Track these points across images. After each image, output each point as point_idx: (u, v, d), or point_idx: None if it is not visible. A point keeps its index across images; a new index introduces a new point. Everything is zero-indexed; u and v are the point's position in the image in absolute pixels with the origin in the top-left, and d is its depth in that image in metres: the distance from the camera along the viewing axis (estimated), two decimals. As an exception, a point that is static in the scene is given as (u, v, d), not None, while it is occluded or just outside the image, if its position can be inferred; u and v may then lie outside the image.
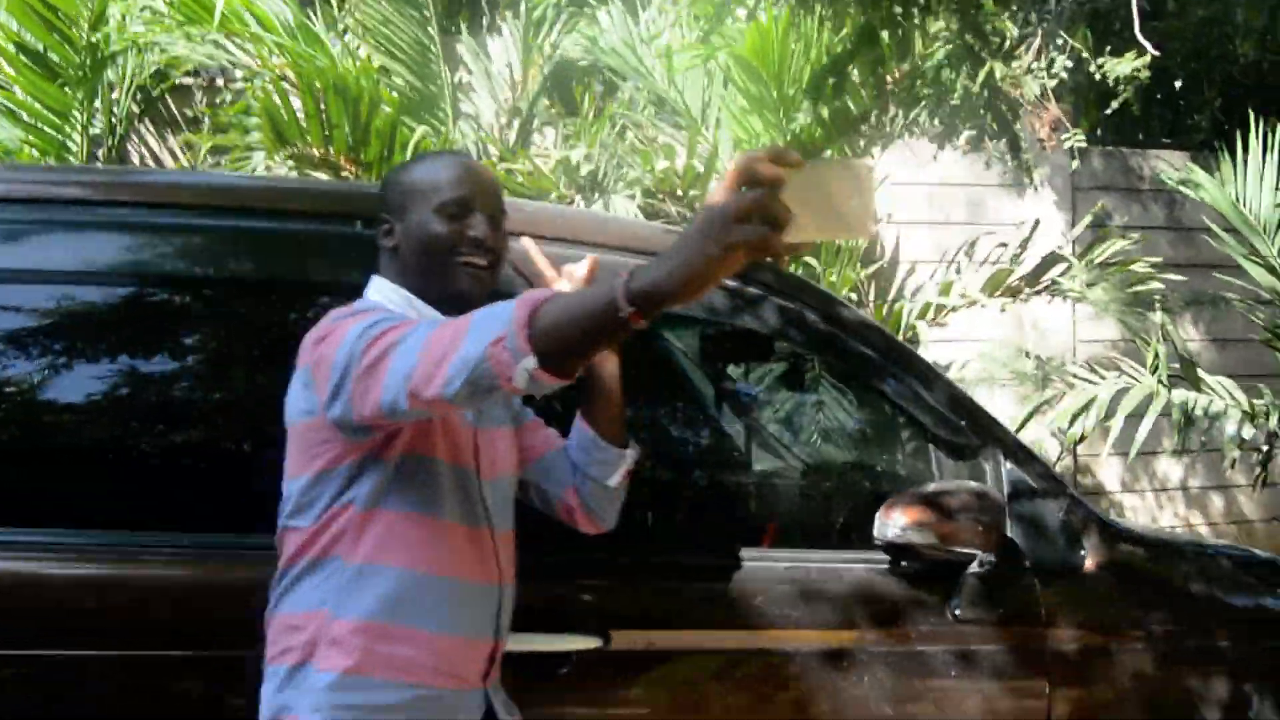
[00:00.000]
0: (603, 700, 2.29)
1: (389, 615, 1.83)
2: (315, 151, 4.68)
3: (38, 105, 4.96)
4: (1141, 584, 2.71)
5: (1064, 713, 2.52)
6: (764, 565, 2.43)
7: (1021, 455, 2.61)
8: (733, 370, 2.74)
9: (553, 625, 2.23)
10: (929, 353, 5.71)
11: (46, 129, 5.01)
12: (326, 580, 1.83)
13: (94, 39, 4.80)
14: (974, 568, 2.49)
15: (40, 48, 4.86)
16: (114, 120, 5.31)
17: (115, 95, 5.30)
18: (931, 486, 2.48)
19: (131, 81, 5.42)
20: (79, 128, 5.04)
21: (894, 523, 2.41)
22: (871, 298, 6.06)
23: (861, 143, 5.18)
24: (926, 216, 6.43)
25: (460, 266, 1.90)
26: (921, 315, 5.53)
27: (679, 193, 4.91)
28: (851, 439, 2.77)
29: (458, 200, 1.91)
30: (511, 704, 2.00)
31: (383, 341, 1.64)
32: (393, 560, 1.84)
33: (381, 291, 1.95)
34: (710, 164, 4.94)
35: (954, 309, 5.41)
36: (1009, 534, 2.52)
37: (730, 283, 2.47)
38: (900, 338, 5.63)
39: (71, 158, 5.11)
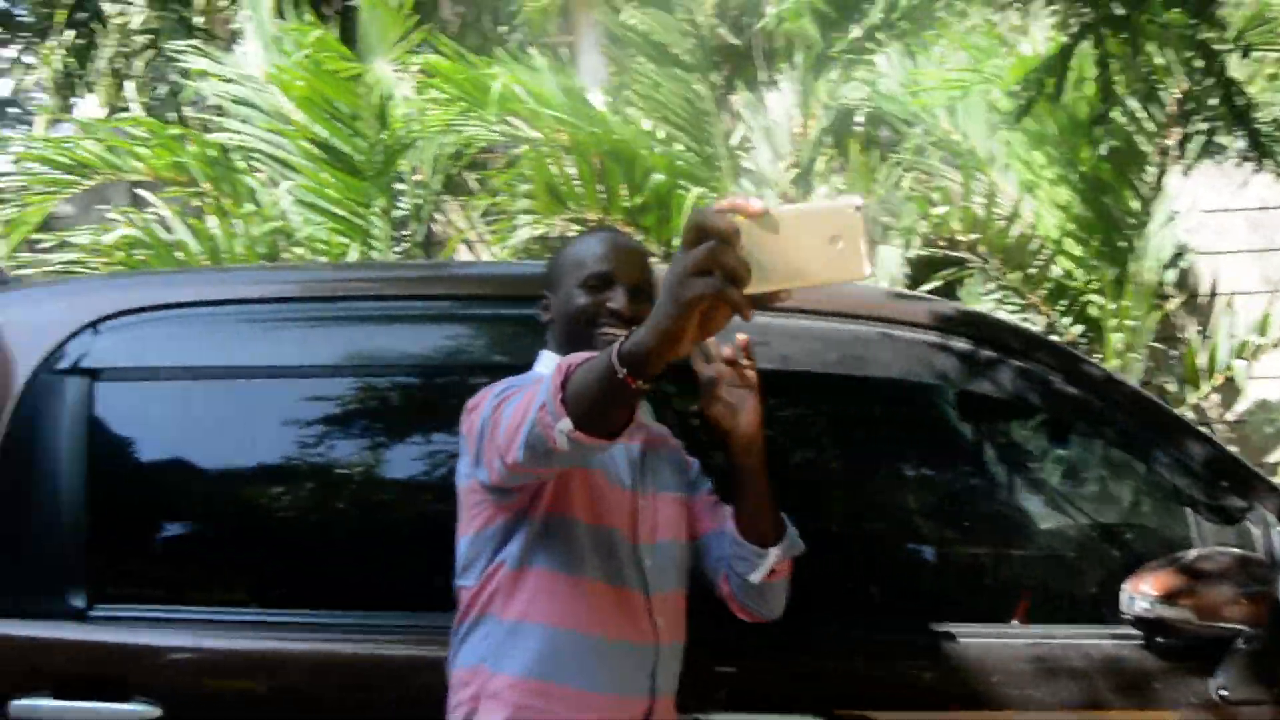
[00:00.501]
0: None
1: (540, 671, 1.92)
2: (591, 216, 4.82)
3: (337, 197, 5.29)
4: None
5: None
6: (1002, 642, 2.26)
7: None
8: (970, 437, 2.59)
9: (775, 704, 2.22)
10: (1250, 395, 5.27)
11: (351, 218, 5.35)
12: (486, 637, 1.94)
13: (382, 135, 5.10)
14: (1240, 643, 2.24)
15: (335, 143, 5.20)
16: (418, 201, 5.62)
17: (418, 177, 5.61)
18: (1187, 554, 2.28)
19: (435, 164, 5.73)
20: (379, 213, 5.37)
21: (1142, 595, 2.23)
22: (1188, 333, 5.64)
23: (1154, 171, 4.83)
24: (1246, 244, 5.94)
25: (599, 336, 1.97)
26: (1239, 354, 5.09)
27: (958, 239, 4.73)
28: (1099, 504, 2.56)
29: (599, 274, 2.02)
30: None
31: (501, 408, 1.75)
32: (541, 618, 1.92)
33: (544, 363, 2.08)
34: (989, 205, 4.74)
35: (1276, 345, 4.96)
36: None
37: (963, 345, 2.38)
38: (1218, 378, 5.25)
39: (376, 243, 5.44)
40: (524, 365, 2.09)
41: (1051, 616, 2.41)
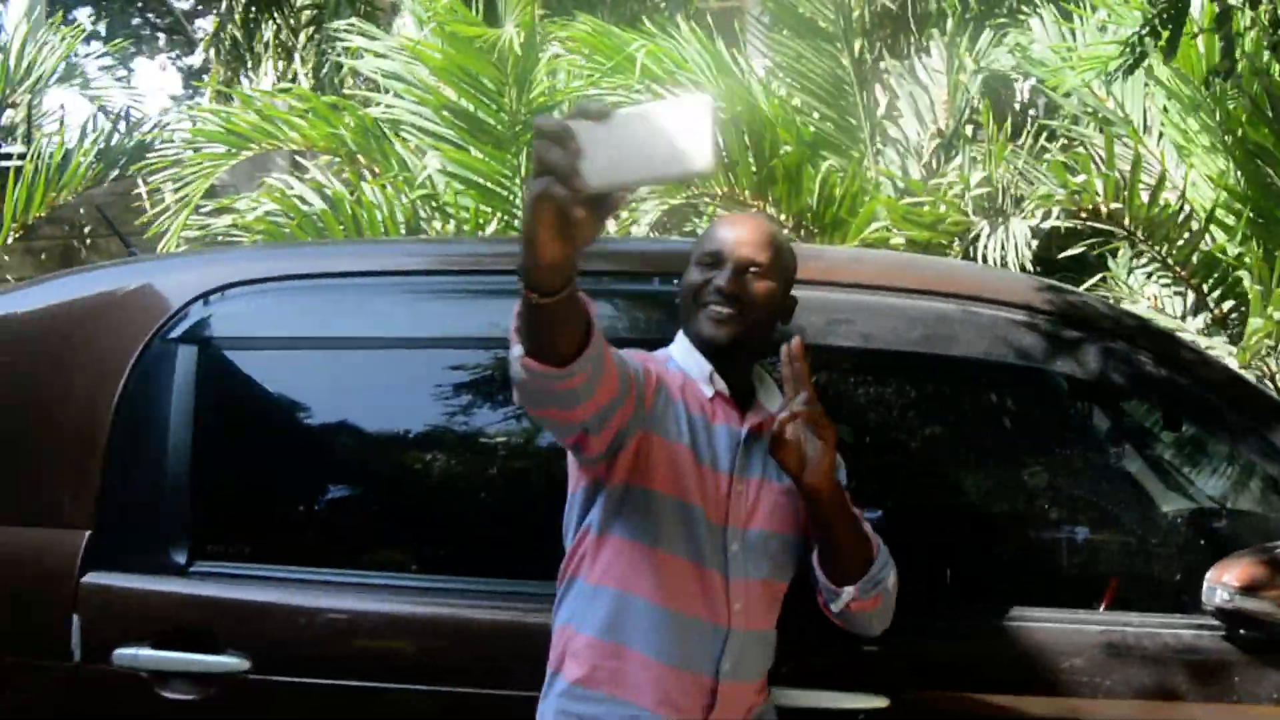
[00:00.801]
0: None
1: (613, 635, 1.99)
2: (718, 190, 4.82)
3: (481, 167, 5.40)
4: None
5: None
6: (1077, 628, 2.22)
7: None
8: (1057, 420, 2.54)
9: (842, 683, 2.23)
10: None
11: (494, 188, 5.46)
12: (575, 598, 2.03)
13: (521, 105, 5.18)
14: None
15: (478, 114, 5.30)
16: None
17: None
18: (1274, 545, 2.20)
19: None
20: (522, 183, 5.46)
21: (1224, 586, 2.15)
22: None
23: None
24: None
25: (705, 313, 2.04)
26: None
27: (1101, 209, 4.58)
28: (1188, 491, 2.48)
29: (711, 253, 2.07)
30: None
31: None
32: (615, 583, 2.00)
33: (677, 341, 2.15)
34: (1134, 173, 4.57)
35: None
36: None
37: (1045, 323, 2.33)
38: None
39: (519, 212, 5.54)
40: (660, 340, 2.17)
41: (1138, 604, 2.36)
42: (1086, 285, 5.15)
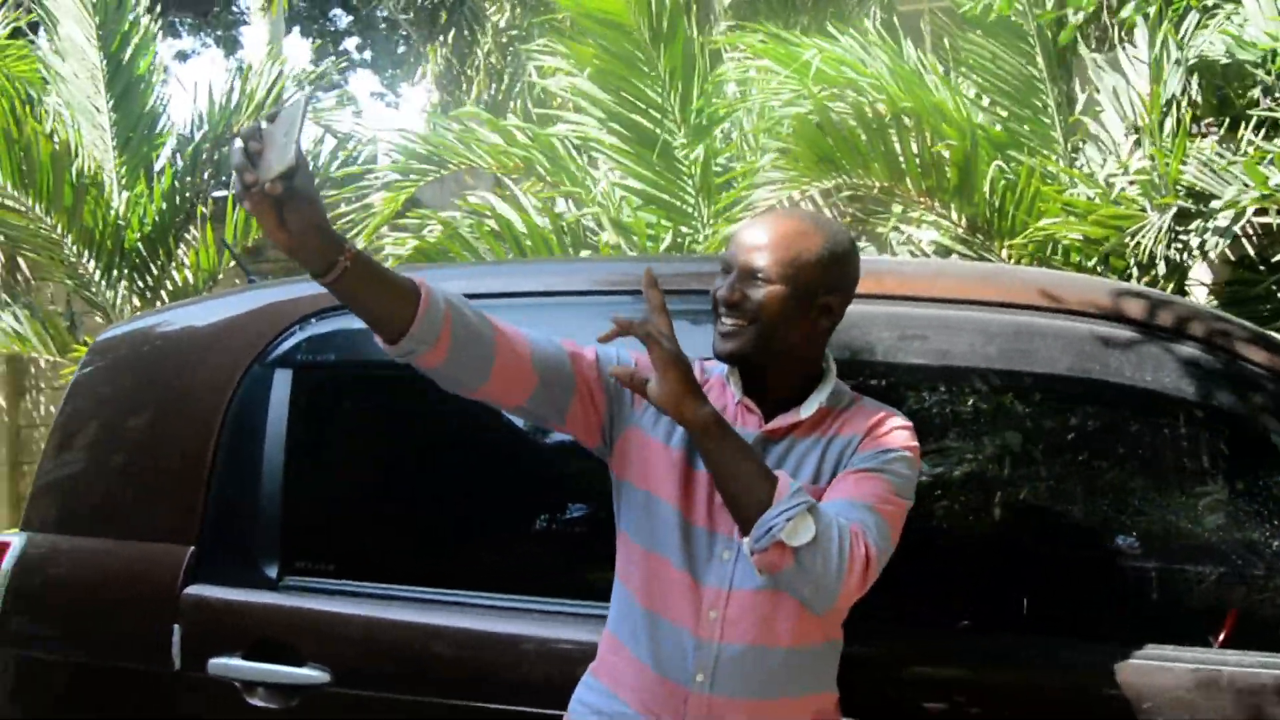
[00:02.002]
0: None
1: (615, 629, 2.04)
2: (876, 183, 4.72)
3: (652, 180, 5.44)
4: None
5: None
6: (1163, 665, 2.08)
7: None
8: (1140, 439, 2.36)
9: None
10: None
11: (669, 200, 5.49)
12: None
13: (686, 110, 5.19)
14: None
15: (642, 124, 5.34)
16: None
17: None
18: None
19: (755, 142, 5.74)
20: (693, 193, 5.47)
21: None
22: None
23: None
24: None
25: (716, 323, 1.98)
26: None
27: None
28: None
29: (724, 258, 2.01)
30: None
31: None
32: (622, 579, 2.04)
33: None
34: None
35: None
36: None
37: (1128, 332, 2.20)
38: None
39: (693, 223, 5.55)
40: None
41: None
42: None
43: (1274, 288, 5.22)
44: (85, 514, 2.70)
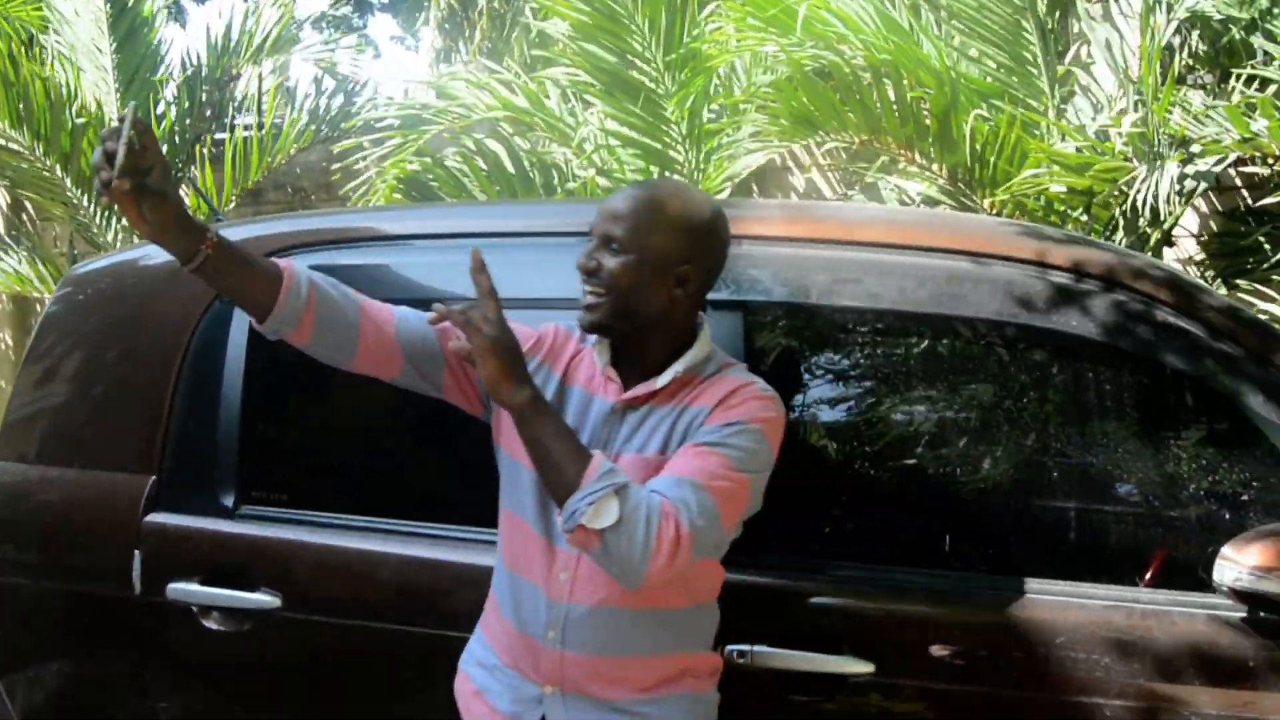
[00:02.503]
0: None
1: (495, 587, 2.17)
2: (856, 138, 4.74)
3: (638, 125, 5.47)
4: None
5: None
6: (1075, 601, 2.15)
7: None
8: (1075, 383, 2.42)
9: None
10: None
11: (651, 144, 5.53)
12: None
13: (668, 59, 5.21)
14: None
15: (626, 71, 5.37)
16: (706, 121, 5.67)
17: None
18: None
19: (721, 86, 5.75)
20: (679, 139, 5.50)
21: (1240, 564, 2.03)
22: None
23: None
24: None
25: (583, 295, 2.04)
26: None
27: (1271, 157, 4.25)
28: (1218, 464, 2.32)
29: (591, 229, 2.06)
30: None
31: None
32: (500, 541, 2.15)
33: None
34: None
35: None
36: None
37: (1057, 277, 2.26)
38: None
39: (678, 167, 5.59)
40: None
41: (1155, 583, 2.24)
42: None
43: (1260, 239, 5.25)
44: (53, 445, 2.79)
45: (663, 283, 1.99)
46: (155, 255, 3.04)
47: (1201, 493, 2.29)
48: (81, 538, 2.67)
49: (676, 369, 2.02)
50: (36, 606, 2.71)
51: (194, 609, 2.52)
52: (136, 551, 2.58)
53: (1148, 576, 2.25)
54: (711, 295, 2.15)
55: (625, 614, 2.01)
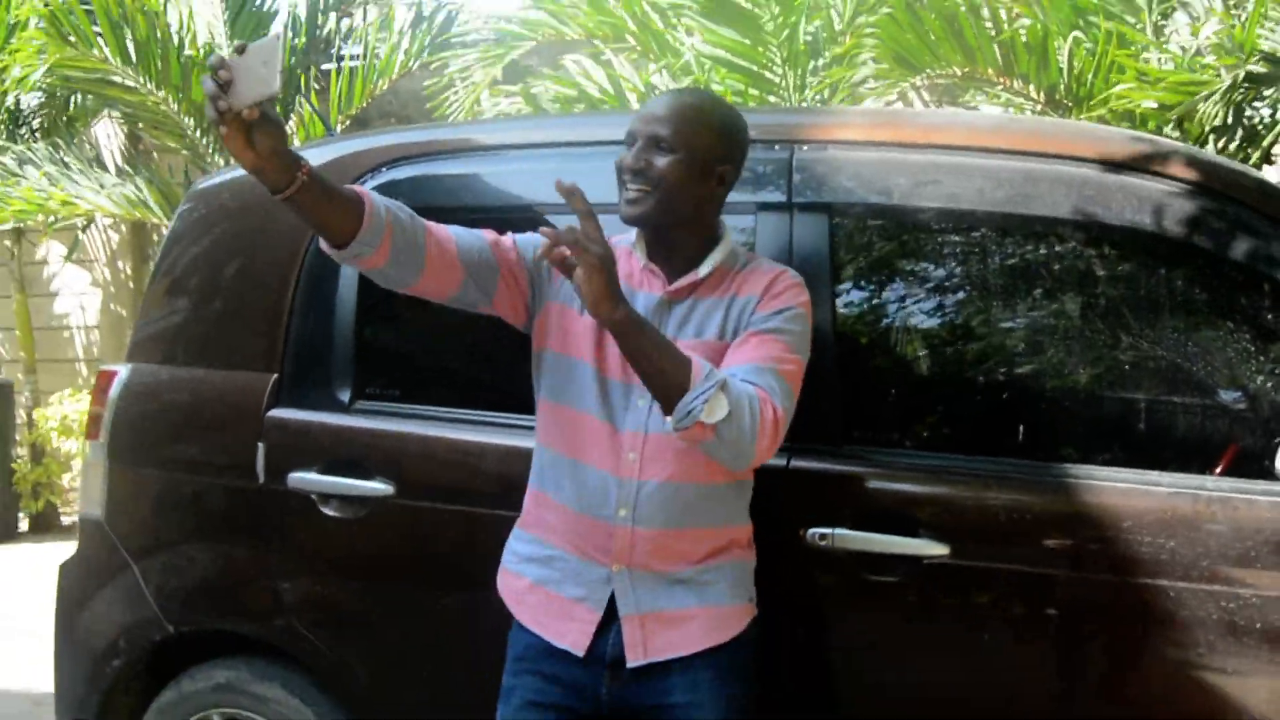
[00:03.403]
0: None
1: (539, 484, 2.30)
2: (958, 70, 4.74)
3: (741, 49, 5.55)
4: None
5: None
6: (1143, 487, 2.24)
7: None
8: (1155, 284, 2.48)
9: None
10: None
11: (755, 69, 5.60)
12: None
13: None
14: None
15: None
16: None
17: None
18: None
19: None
20: (780, 63, 5.56)
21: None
22: None
23: None
24: None
25: (622, 190, 2.17)
26: None
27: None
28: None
29: (630, 131, 2.19)
30: (671, 590, 2.18)
31: None
32: (542, 439, 2.29)
33: None
34: None
35: None
36: None
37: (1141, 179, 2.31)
38: None
39: (781, 93, 5.64)
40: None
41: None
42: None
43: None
44: (182, 347, 2.98)
45: (705, 180, 2.16)
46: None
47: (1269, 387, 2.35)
48: (209, 432, 2.87)
49: (717, 260, 2.19)
50: (168, 496, 2.91)
51: (313, 497, 2.70)
52: (260, 444, 2.76)
53: (1218, 469, 2.33)
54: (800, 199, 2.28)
55: (689, 489, 2.18)
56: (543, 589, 2.24)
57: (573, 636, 2.19)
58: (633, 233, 2.26)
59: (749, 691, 2.23)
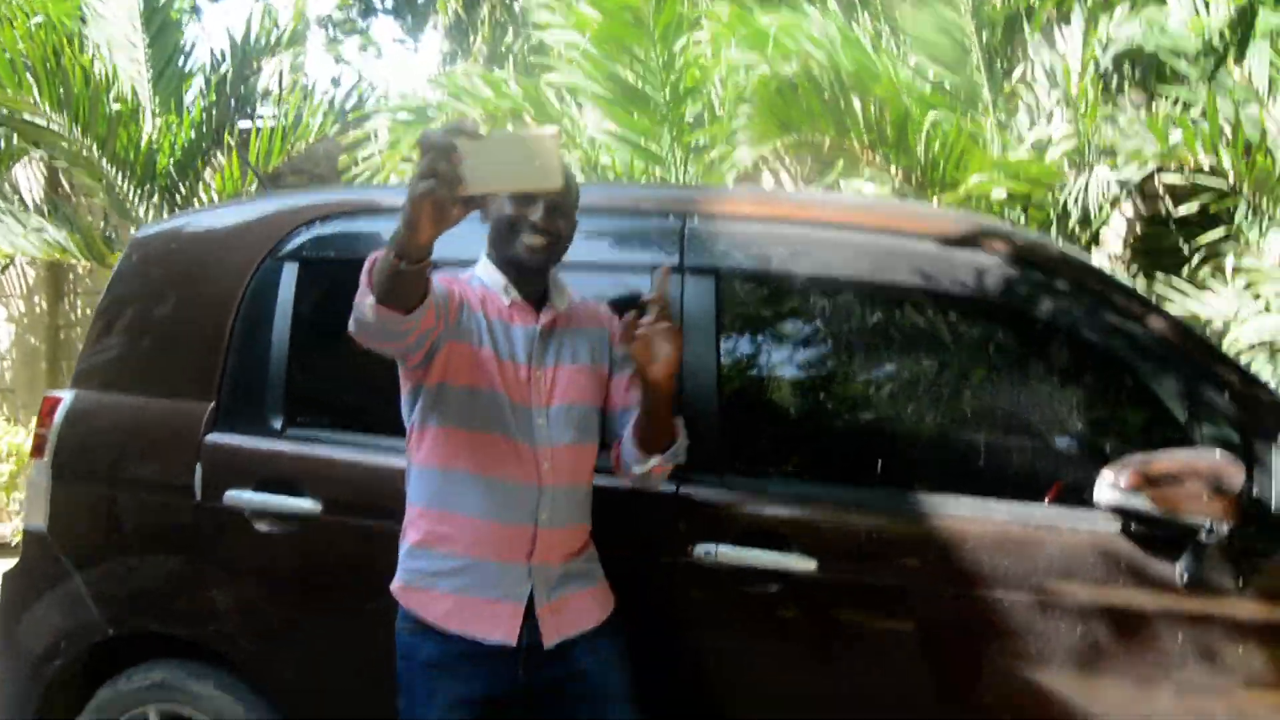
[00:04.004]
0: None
1: (440, 504, 2.41)
2: (826, 138, 5.08)
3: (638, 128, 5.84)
4: None
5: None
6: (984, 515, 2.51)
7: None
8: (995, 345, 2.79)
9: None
10: None
11: (649, 147, 5.89)
12: (410, 479, 2.46)
13: (673, 77, 5.56)
14: (1204, 536, 2.36)
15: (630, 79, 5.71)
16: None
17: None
18: (1166, 452, 2.41)
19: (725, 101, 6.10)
20: (670, 141, 5.85)
21: (1113, 486, 2.37)
22: None
23: None
24: None
25: (520, 243, 2.39)
26: None
27: (1193, 164, 4.61)
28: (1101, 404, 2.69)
29: (525, 195, 2.35)
30: (568, 579, 2.43)
31: None
32: (440, 462, 2.40)
33: (481, 264, 2.50)
34: (1236, 129, 4.58)
35: None
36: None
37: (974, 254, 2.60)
38: None
39: (671, 169, 5.93)
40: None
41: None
42: (1209, 239, 5.19)
43: (1179, 241, 5.64)
44: (125, 376, 3.10)
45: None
46: (210, 219, 3.38)
47: (1088, 428, 2.65)
48: (150, 453, 3.00)
49: (571, 298, 2.51)
50: (110, 511, 3.03)
51: (247, 514, 2.84)
52: (198, 465, 2.90)
53: (1047, 500, 2.61)
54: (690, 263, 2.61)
55: (580, 490, 2.48)
56: (460, 596, 2.36)
57: (502, 631, 2.34)
58: (468, 272, 2.46)
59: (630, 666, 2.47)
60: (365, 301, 2.06)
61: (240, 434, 2.93)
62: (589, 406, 2.49)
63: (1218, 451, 2.40)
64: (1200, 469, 2.35)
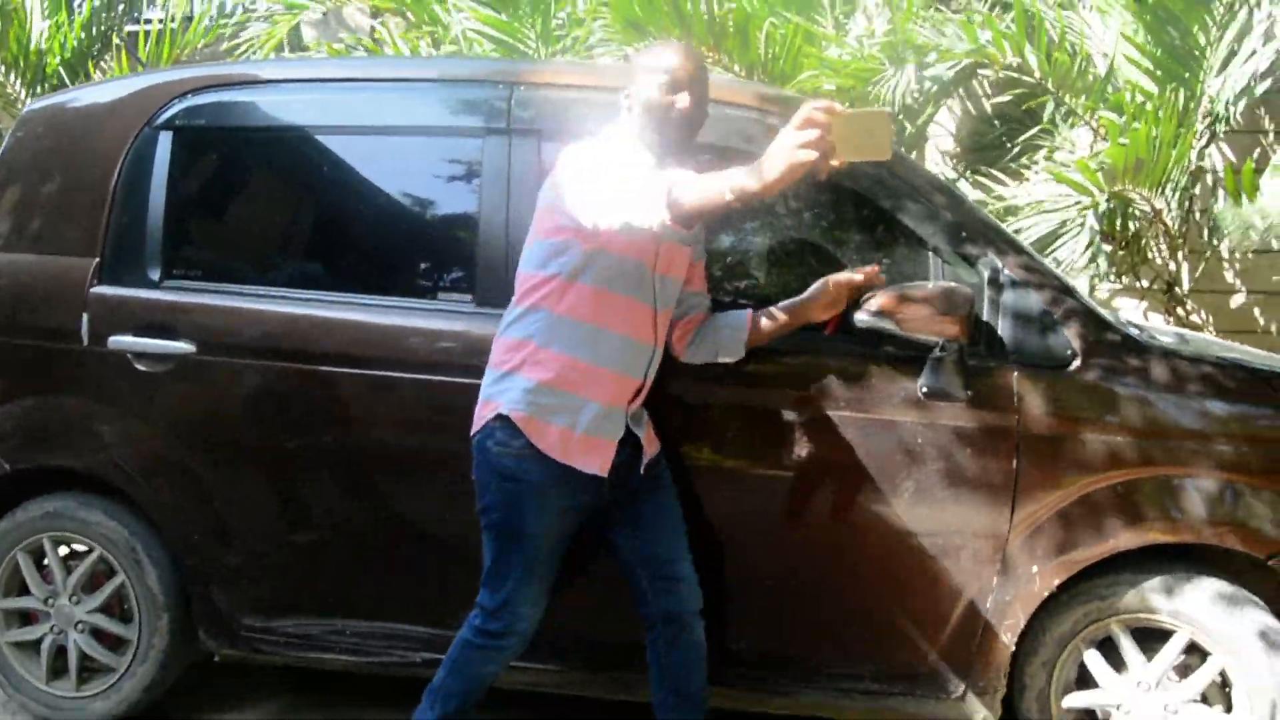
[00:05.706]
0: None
1: (573, 351, 2.61)
2: (676, 38, 5.34)
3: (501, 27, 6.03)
4: (1126, 381, 2.81)
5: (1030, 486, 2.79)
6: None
7: (1023, 259, 2.88)
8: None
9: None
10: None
11: (514, 44, 6.09)
12: (537, 322, 2.62)
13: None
14: (937, 352, 2.74)
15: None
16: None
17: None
18: (910, 284, 2.75)
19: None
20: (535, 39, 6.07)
21: (866, 310, 2.72)
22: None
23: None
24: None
25: (668, 122, 2.60)
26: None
27: (1006, 62, 4.97)
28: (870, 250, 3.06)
29: (675, 79, 2.60)
30: (639, 419, 2.76)
31: (611, 187, 2.47)
32: (586, 317, 2.61)
33: (619, 140, 2.67)
34: (1039, 30, 4.94)
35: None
36: (999, 329, 2.81)
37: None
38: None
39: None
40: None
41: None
42: (1027, 135, 5.58)
43: (1002, 138, 6.03)
44: (17, 237, 3.30)
45: None
46: (93, 93, 3.58)
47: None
48: (41, 305, 3.22)
49: None
50: (7, 359, 3.25)
51: (129, 355, 3.10)
52: (84, 314, 3.15)
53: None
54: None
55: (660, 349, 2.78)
56: (569, 431, 2.60)
57: (599, 463, 2.64)
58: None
59: None
60: (659, 218, 2.33)
61: (122, 286, 3.18)
62: (680, 279, 2.78)
63: (952, 283, 2.77)
64: (933, 295, 2.69)
